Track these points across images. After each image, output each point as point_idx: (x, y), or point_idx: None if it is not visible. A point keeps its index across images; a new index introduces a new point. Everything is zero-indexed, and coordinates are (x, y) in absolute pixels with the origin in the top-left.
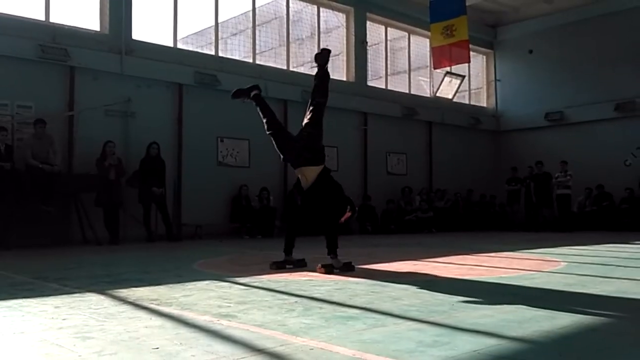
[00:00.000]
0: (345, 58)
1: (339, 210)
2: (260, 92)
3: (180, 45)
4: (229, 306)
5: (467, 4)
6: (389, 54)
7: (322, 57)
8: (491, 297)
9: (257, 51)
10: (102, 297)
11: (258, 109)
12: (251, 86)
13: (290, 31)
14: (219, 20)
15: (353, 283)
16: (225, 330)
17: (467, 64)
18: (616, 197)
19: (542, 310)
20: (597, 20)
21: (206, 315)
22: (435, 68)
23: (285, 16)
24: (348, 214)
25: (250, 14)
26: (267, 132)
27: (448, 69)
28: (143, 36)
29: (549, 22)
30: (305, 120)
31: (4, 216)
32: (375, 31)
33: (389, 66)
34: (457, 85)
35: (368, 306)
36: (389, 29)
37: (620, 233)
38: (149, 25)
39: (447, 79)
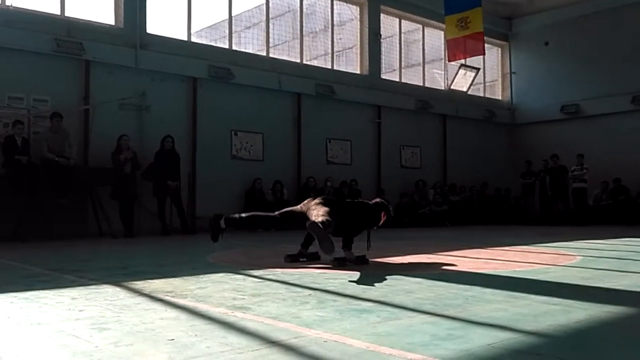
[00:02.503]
0: (358, 51)
1: (370, 223)
2: (222, 217)
3: (194, 39)
4: (243, 298)
5: None
6: (403, 46)
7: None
8: (505, 291)
9: (270, 44)
10: (118, 289)
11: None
12: (214, 223)
13: (304, 24)
14: (233, 14)
15: (367, 276)
16: (240, 322)
17: (482, 57)
18: (633, 191)
19: (557, 304)
20: (613, 11)
21: (221, 307)
22: (449, 60)
23: (298, 9)
24: (384, 218)
25: (264, 7)
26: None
27: (463, 61)
28: (157, 30)
29: (564, 14)
30: (312, 214)
31: (20, 209)
32: (389, 24)
33: (403, 59)
34: (471, 78)
35: (382, 299)
36: (403, 21)
37: (637, 227)
38: (163, 19)
39: (461, 71)
